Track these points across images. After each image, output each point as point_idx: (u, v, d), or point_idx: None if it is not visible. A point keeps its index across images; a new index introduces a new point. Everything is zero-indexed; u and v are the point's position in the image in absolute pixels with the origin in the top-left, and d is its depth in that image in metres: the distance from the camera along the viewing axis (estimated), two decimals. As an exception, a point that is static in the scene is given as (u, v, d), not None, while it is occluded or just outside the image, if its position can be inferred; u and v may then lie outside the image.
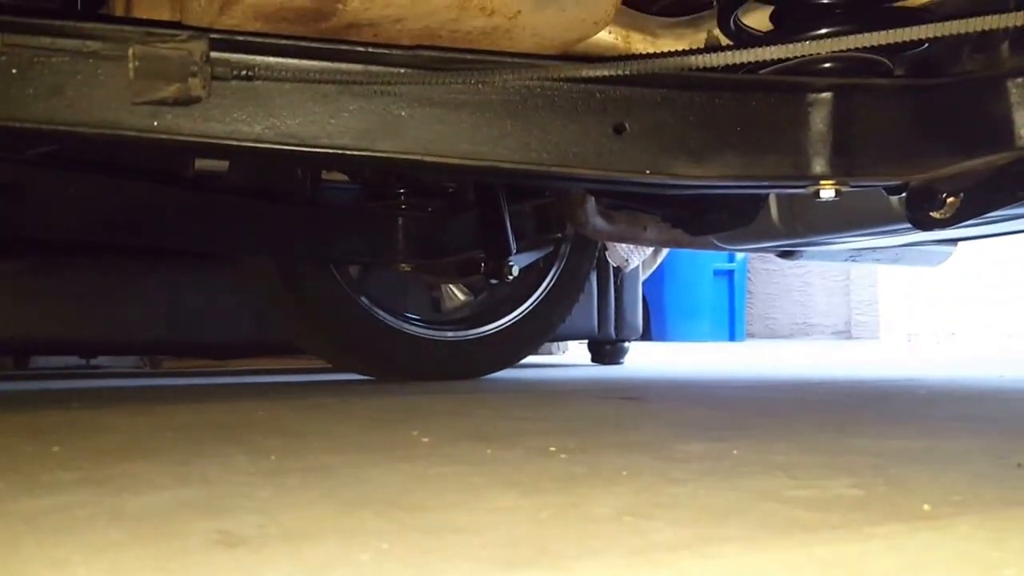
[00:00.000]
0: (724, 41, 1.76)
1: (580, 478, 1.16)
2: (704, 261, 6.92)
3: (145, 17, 1.63)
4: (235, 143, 1.49)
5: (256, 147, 1.49)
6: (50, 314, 3.06)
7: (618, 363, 4.15)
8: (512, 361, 3.37)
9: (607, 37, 1.84)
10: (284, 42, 1.48)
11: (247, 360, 4.03)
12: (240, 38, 1.47)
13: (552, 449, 1.36)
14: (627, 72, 1.52)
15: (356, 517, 0.93)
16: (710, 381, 3.09)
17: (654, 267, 4.22)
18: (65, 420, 1.87)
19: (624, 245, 3.74)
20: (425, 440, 1.49)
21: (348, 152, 1.52)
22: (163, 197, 2.62)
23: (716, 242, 2.44)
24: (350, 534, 0.86)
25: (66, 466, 1.26)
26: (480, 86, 1.53)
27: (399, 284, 3.35)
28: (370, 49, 1.51)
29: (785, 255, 2.67)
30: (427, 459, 1.30)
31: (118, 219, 2.56)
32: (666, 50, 1.83)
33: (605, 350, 4.16)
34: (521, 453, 1.35)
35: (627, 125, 1.58)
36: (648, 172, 1.58)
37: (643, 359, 4.56)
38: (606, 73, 1.52)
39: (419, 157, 1.54)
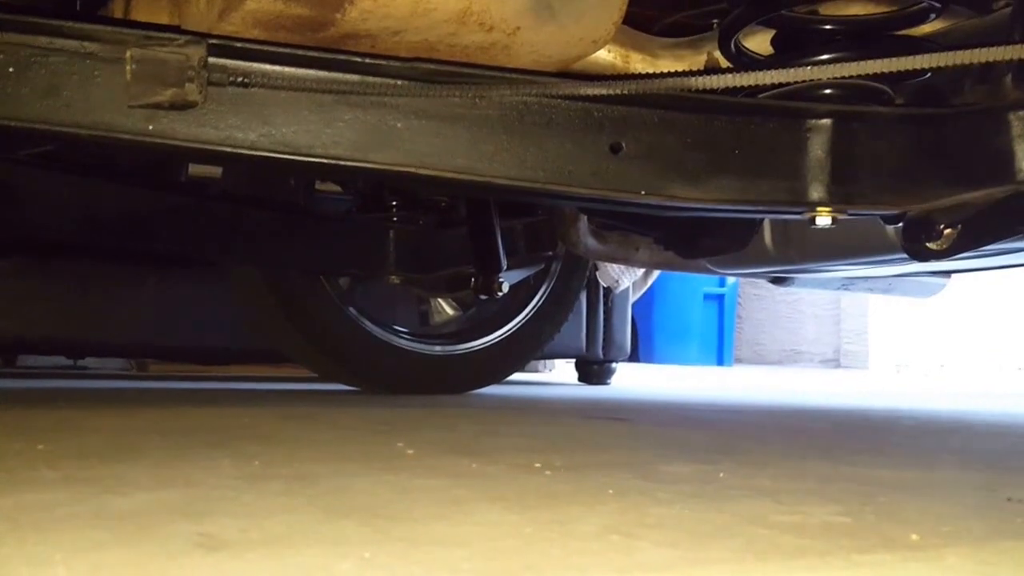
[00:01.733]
0: (724, 63, 1.76)
1: (565, 495, 1.15)
2: (695, 285, 6.91)
3: (144, 20, 1.63)
4: (229, 150, 1.48)
5: (250, 155, 1.49)
6: (39, 314, 3.05)
7: (605, 383, 4.14)
8: (499, 377, 3.36)
9: (606, 56, 1.84)
10: (281, 50, 1.48)
11: (233, 366, 4.02)
12: (238, 44, 1.46)
13: (537, 466, 1.35)
14: (626, 91, 1.52)
15: (339, 525, 0.92)
16: (698, 405, 3.09)
17: (644, 289, 4.22)
18: (52, 419, 1.87)
19: (615, 266, 3.74)
20: (410, 452, 1.48)
21: (342, 163, 1.52)
22: (154, 201, 2.61)
23: (708, 266, 2.44)
24: (332, 542, 0.85)
25: (51, 465, 1.25)
26: (477, 100, 1.53)
27: (388, 296, 3.34)
28: (367, 60, 1.51)
29: (777, 281, 2.67)
30: (411, 471, 1.29)
31: (108, 221, 2.55)
32: (665, 70, 1.83)
33: (592, 370, 4.15)
34: (506, 469, 1.34)
35: (624, 145, 1.57)
36: (644, 193, 1.58)
37: (630, 380, 4.55)
38: (604, 92, 1.52)
39: (414, 170, 1.53)
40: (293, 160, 1.51)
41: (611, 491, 1.17)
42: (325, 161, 1.51)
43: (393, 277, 2.95)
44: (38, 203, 2.41)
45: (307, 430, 1.83)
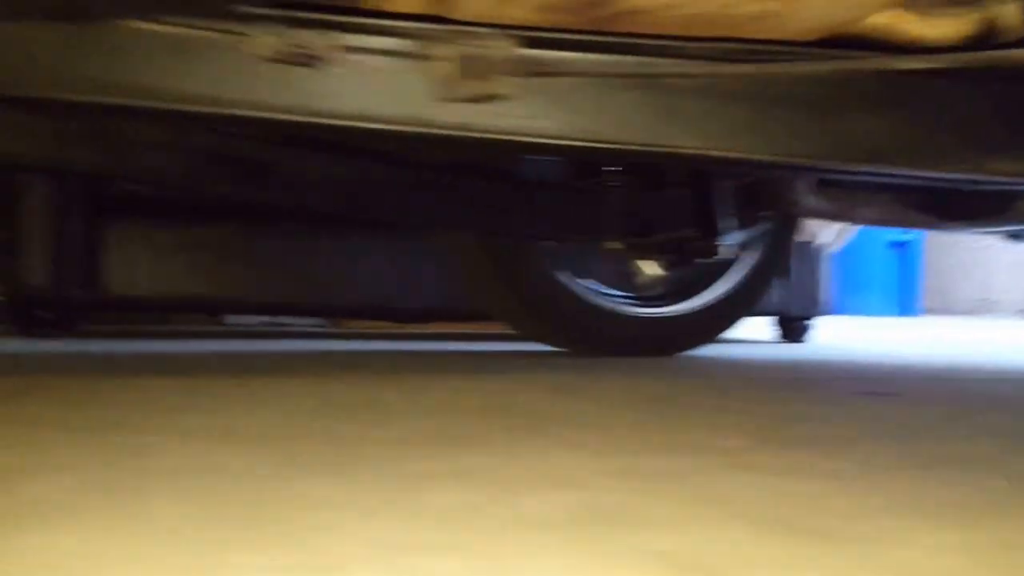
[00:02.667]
0: (1011, 24, 1.69)
1: (974, 507, 1.07)
2: (877, 232, 6.74)
3: (396, 11, 1.60)
4: (536, 140, 1.49)
5: (557, 144, 1.50)
6: (254, 276, 3.16)
7: (803, 341, 4.08)
8: (707, 340, 3.35)
9: (876, 17, 1.79)
10: (585, 38, 1.49)
11: (430, 324, 4.11)
12: (546, 35, 1.47)
13: (908, 464, 1.30)
14: (942, 65, 1.48)
15: (764, 542, 0.87)
16: (945, 369, 2.98)
17: (842, 242, 4.15)
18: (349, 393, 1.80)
19: (815, 221, 3.67)
20: (737, 444, 1.43)
21: (640, 148, 1.52)
22: (377, 173, 2.64)
23: (945, 223, 2.39)
24: (775, 563, 0.80)
25: (411, 447, 1.18)
26: (773, 78, 1.51)
27: (595, 258, 3.33)
28: (663, 42, 1.50)
29: (1016, 237, 2.60)
30: (762, 469, 1.23)
31: (338, 193, 2.60)
32: (943, 32, 1.77)
33: (791, 327, 4.10)
34: (862, 468, 1.27)
35: (927, 118, 1.54)
36: (959, 167, 1.54)
37: (829, 337, 4.41)
38: (918, 66, 1.48)
39: (714, 153, 1.53)
40: (597, 147, 1.51)
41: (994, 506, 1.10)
42: (625, 147, 1.51)
43: (611, 243, 2.94)
44: (283, 178, 2.46)
45: (587, 407, 1.83)
